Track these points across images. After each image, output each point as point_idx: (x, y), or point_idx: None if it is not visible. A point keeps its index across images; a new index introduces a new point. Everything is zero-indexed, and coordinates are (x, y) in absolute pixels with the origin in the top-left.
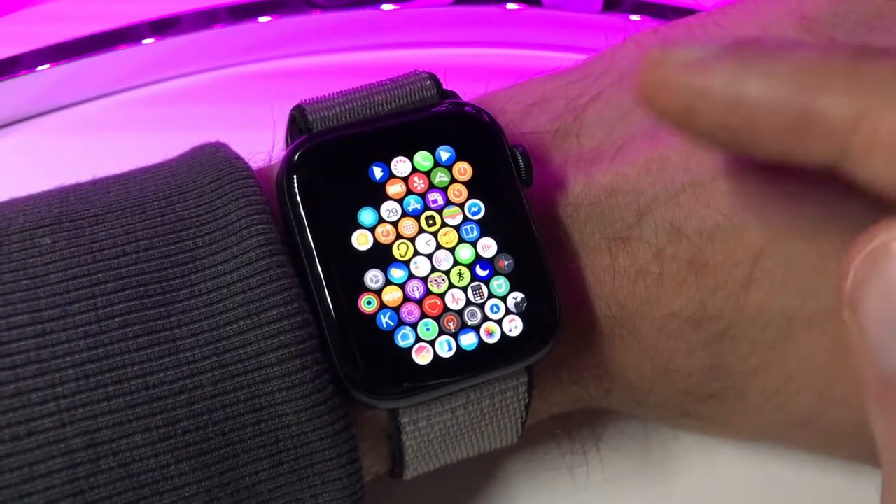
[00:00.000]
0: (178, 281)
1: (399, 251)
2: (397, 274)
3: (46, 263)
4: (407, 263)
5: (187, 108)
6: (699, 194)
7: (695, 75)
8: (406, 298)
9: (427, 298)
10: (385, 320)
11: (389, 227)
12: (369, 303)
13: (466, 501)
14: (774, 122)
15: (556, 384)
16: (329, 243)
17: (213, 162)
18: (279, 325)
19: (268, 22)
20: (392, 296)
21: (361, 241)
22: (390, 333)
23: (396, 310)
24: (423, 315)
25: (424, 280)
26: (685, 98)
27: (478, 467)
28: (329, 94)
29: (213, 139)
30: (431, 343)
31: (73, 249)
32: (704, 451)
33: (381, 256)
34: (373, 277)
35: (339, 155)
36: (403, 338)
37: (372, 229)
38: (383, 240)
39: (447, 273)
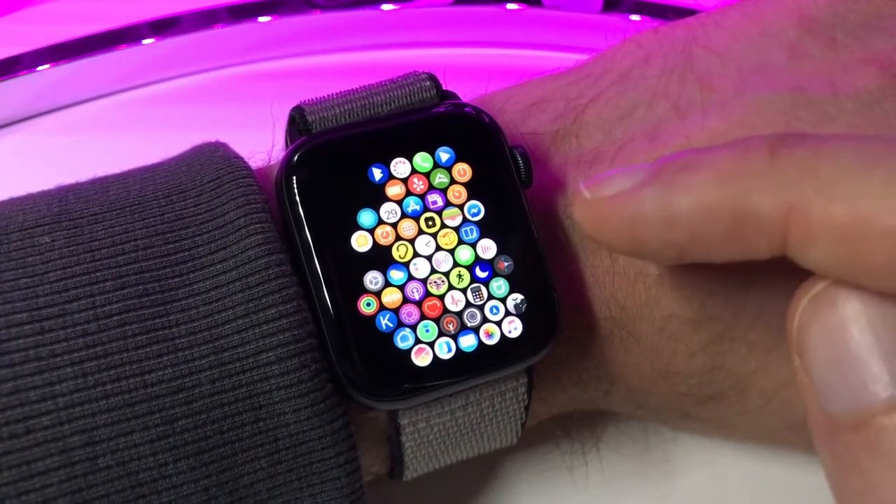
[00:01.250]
0: (176, 280)
1: (398, 253)
2: (397, 275)
3: (45, 262)
4: (406, 265)
5: (187, 108)
6: None
7: (627, 206)
8: (405, 300)
9: (426, 300)
10: (384, 322)
11: (389, 228)
12: (368, 304)
13: (466, 501)
14: (712, 231)
15: (556, 385)
16: (328, 244)
17: (213, 161)
18: (278, 324)
19: (268, 22)
20: (391, 297)
21: (361, 242)
22: (390, 335)
23: (396, 311)
24: (423, 316)
25: (424, 281)
26: (625, 229)
27: (477, 468)
28: (328, 95)
29: (213, 139)
30: (431, 345)
31: (71, 248)
32: (704, 452)
33: (380, 258)
34: (372, 279)
35: (338, 156)
36: (403, 339)
37: (371, 230)
38: (383, 241)
39: (447, 274)
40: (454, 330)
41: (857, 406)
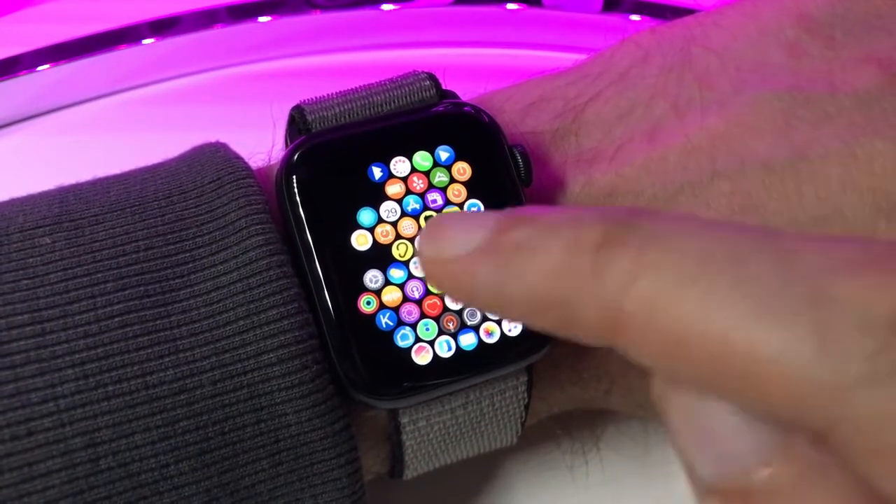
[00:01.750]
0: (177, 281)
1: (398, 251)
2: (397, 274)
3: (46, 263)
4: (406, 263)
5: (187, 108)
6: (698, 195)
7: (463, 277)
8: (405, 298)
9: (426, 298)
10: (384, 320)
11: (389, 227)
12: (369, 303)
13: (466, 501)
14: (542, 322)
15: (556, 384)
16: (328, 243)
17: (213, 162)
18: (279, 324)
19: (268, 22)
20: (391, 296)
21: (361, 241)
22: (390, 333)
23: (396, 310)
24: (423, 315)
25: (424, 280)
26: (463, 292)
27: (477, 467)
28: (328, 95)
29: (213, 139)
30: (431, 343)
31: (72, 249)
32: None
33: (380, 256)
34: (372, 277)
35: (338, 155)
36: (403, 338)
37: (371, 229)
38: (382, 240)
39: None
40: (454, 328)
41: (723, 475)
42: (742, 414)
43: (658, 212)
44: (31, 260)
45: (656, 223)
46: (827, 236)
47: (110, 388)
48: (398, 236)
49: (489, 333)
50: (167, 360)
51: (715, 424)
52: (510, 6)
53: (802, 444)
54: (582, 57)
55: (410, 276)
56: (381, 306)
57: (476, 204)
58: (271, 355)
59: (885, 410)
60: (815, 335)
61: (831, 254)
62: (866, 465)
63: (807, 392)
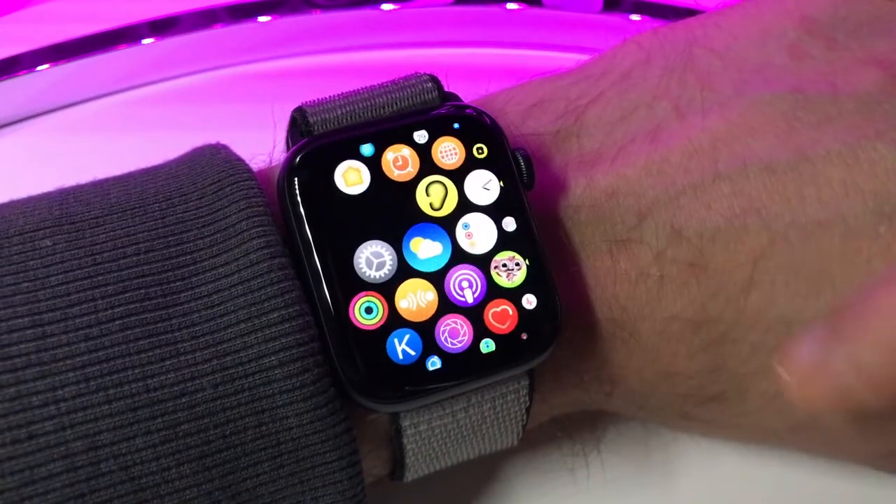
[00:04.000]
0: (178, 283)
1: None
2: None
3: (46, 266)
4: None
5: (187, 108)
6: (700, 196)
7: (848, 369)
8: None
9: (429, 302)
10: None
11: None
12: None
13: (466, 503)
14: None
15: (557, 387)
16: (330, 246)
17: (214, 164)
18: (280, 327)
19: (268, 22)
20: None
21: None
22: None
23: (398, 314)
24: (425, 319)
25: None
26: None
27: (478, 469)
28: (330, 96)
29: (213, 139)
30: (433, 347)
31: (73, 252)
32: (704, 453)
33: None
34: None
35: (340, 157)
36: (404, 341)
37: None
38: None
39: None
40: (456, 333)
41: None
42: None
43: None
44: (31, 262)
45: None
46: None
47: (111, 391)
48: None
49: (491, 338)
50: (168, 362)
51: None
52: (510, 6)
53: None
54: (582, 57)
55: None
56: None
57: None
58: (272, 358)
59: None
60: None
61: None
62: None
63: None
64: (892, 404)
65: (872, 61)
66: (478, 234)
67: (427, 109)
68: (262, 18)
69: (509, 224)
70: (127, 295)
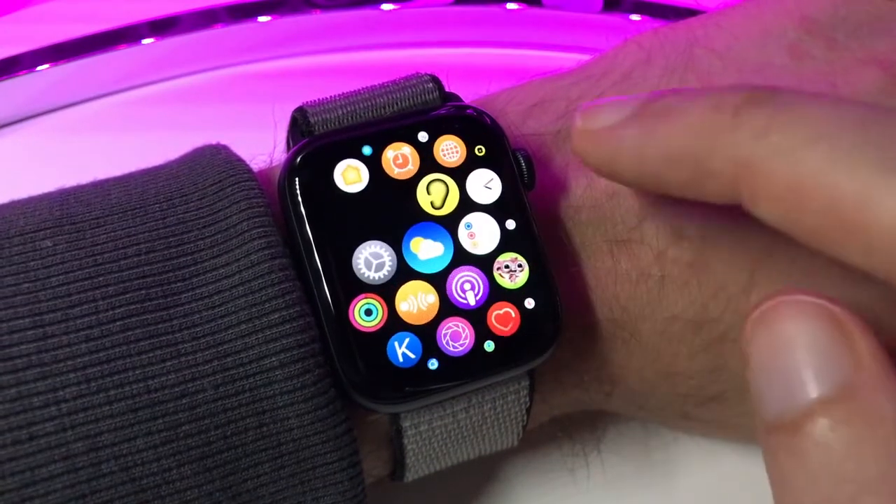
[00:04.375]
0: (179, 284)
1: None
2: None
3: (47, 266)
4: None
5: (187, 108)
6: None
7: (609, 142)
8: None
9: (431, 303)
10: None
11: None
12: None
13: (467, 503)
14: (676, 177)
15: (558, 387)
16: (330, 246)
17: (214, 164)
18: (281, 328)
19: (268, 22)
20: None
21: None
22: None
23: (400, 315)
24: (426, 320)
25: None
26: (605, 160)
27: (478, 469)
28: (331, 97)
29: (213, 139)
30: (433, 347)
31: (73, 252)
32: (705, 453)
33: None
34: None
35: (341, 157)
36: (405, 343)
37: None
38: None
39: None
40: (457, 333)
41: (785, 410)
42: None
43: (796, 89)
44: (32, 263)
45: (793, 94)
46: None
47: (112, 392)
48: None
49: (492, 339)
50: (169, 363)
51: (789, 360)
52: (510, 6)
53: (866, 389)
54: (582, 57)
55: None
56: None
57: None
58: (273, 359)
59: None
60: None
61: None
62: None
63: None
64: (643, 188)
65: (872, 61)
66: (481, 234)
67: (428, 110)
68: (262, 18)
69: (510, 225)
70: (128, 296)
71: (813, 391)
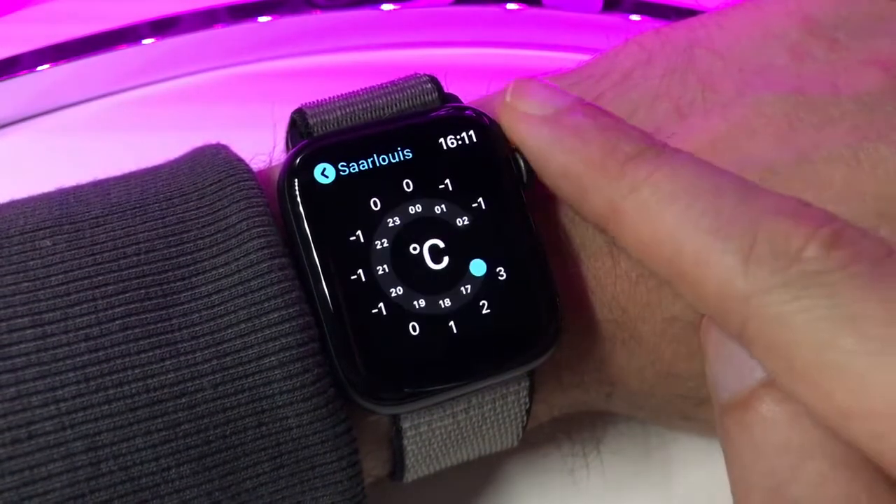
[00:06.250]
0: (178, 283)
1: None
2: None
3: (47, 266)
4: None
5: (187, 108)
6: None
7: (526, 129)
8: (409, 301)
9: (431, 303)
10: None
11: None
12: (372, 306)
13: (466, 503)
14: (565, 189)
15: (558, 388)
16: (330, 246)
17: (214, 164)
18: (280, 327)
19: (268, 22)
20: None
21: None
22: (393, 336)
23: (399, 312)
24: (427, 319)
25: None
26: (518, 138)
27: (478, 469)
28: (330, 98)
29: (213, 139)
30: (433, 347)
31: (73, 252)
32: (704, 453)
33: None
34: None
35: (340, 158)
36: (406, 341)
37: None
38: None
39: None
40: (456, 333)
41: (737, 390)
42: None
43: (679, 149)
44: (31, 262)
45: (677, 154)
46: (790, 198)
47: (111, 391)
48: None
49: (491, 339)
50: (168, 362)
51: (735, 349)
52: (510, 6)
53: None
54: (582, 57)
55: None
56: (386, 309)
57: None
58: (272, 358)
59: (778, 312)
60: (742, 254)
61: (780, 206)
62: (766, 361)
63: (730, 294)
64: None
65: (874, 62)
66: (479, 233)
67: (427, 111)
68: (262, 18)
69: (510, 225)
70: (127, 295)
71: (759, 372)
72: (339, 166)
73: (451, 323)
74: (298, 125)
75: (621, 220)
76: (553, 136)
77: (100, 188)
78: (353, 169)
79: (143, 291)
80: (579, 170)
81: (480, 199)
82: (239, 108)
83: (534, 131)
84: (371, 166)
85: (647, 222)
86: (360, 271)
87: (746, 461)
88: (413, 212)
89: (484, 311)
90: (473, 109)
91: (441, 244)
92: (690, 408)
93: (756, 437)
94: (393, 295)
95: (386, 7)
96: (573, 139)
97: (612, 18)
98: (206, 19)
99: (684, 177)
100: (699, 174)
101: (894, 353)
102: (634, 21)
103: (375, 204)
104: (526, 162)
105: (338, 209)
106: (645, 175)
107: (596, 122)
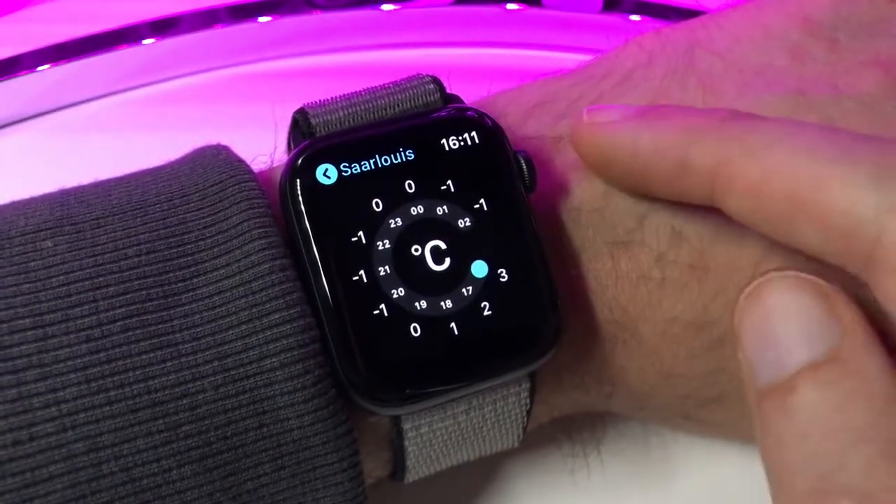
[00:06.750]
0: (179, 284)
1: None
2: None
3: (48, 267)
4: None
5: (187, 108)
6: None
7: (609, 131)
8: (411, 302)
9: (432, 303)
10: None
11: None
12: (374, 307)
13: (466, 503)
14: (660, 169)
15: (558, 389)
16: (332, 247)
17: (215, 165)
18: (281, 329)
19: (268, 22)
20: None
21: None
22: (394, 337)
23: (402, 313)
24: (428, 318)
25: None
26: (600, 150)
27: (478, 470)
28: (332, 98)
29: (213, 139)
30: (434, 347)
31: (74, 253)
32: (705, 453)
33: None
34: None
35: (342, 159)
36: (407, 341)
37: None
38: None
39: None
40: (458, 334)
41: (777, 375)
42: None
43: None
44: (32, 263)
45: (770, 116)
46: None
47: (112, 392)
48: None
49: (492, 339)
50: (169, 364)
51: (780, 327)
52: (510, 6)
53: (852, 352)
54: (582, 57)
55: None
56: (388, 310)
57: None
58: (273, 360)
59: None
60: (873, 173)
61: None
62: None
63: (860, 213)
64: (628, 186)
65: (874, 62)
66: (481, 234)
67: (429, 112)
68: (262, 18)
69: (511, 226)
70: (128, 296)
71: (803, 354)
72: (342, 167)
73: (453, 324)
74: (301, 125)
75: (729, 170)
76: (642, 122)
77: (101, 189)
78: (356, 169)
79: (144, 292)
80: (677, 136)
81: (482, 201)
82: (239, 109)
83: (622, 127)
84: (373, 167)
85: (757, 163)
86: (361, 272)
87: (789, 447)
88: (415, 213)
89: (485, 313)
90: (475, 110)
91: (443, 245)
92: (691, 408)
93: (800, 422)
94: (394, 296)
95: (386, 7)
96: (665, 116)
97: (612, 19)
98: (206, 19)
99: (786, 124)
100: (798, 124)
101: None
102: (634, 21)
103: (377, 205)
104: (529, 164)
105: (339, 210)
106: (746, 126)
107: (681, 107)
